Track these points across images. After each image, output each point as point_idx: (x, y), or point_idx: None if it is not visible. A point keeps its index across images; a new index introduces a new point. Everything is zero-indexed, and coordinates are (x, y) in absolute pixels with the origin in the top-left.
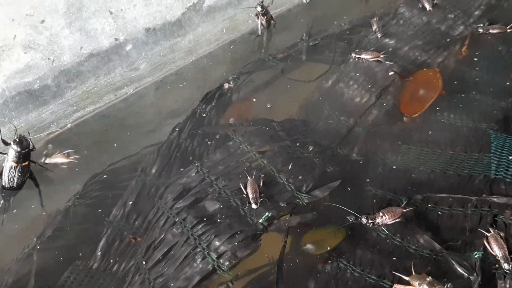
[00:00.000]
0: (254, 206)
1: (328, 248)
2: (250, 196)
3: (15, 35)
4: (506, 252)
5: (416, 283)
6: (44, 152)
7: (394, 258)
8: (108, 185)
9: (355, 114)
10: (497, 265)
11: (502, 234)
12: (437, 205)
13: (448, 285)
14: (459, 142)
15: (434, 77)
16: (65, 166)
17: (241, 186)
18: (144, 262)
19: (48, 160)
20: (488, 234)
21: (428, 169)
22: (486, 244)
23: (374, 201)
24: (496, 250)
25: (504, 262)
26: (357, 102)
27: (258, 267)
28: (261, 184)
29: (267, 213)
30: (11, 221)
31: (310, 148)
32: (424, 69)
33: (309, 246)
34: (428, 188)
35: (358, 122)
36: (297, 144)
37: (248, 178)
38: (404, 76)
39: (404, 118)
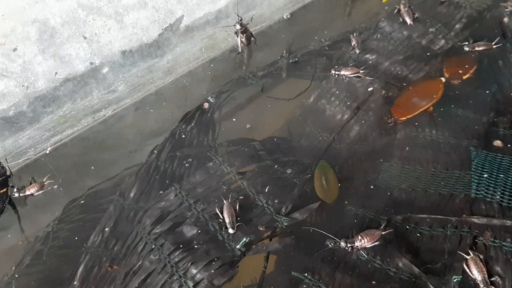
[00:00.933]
0: (230, 230)
1: None
2: (227, 220)
3: None
4: (486, 276)
5: None
6: (15, 189)
7: (373, 282)
8: (88, 209)
9: (337, 131)
10: None
11: (481, 256)
12: (417, 225)
13: None
14: (441, 159)
15: (436, 86)
16: (41, 193)
17: (217, 211)
18: None
19: (22, 194)
20: (468, 257)
21: (409, 188)
22: (466, 267)
23: (355, 221)
24: (476, 274)
25: (484, 286)
26: (338, 119)
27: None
28: (237, 208)
29: (244, 239)
30: None
31: (289, 171)
32: (428, 78)
33: None
34: (408, 207)
35: (335, 138)
36: (278, 164)
37: (224, 202)
38: (399, 87)
39: (389, 120)
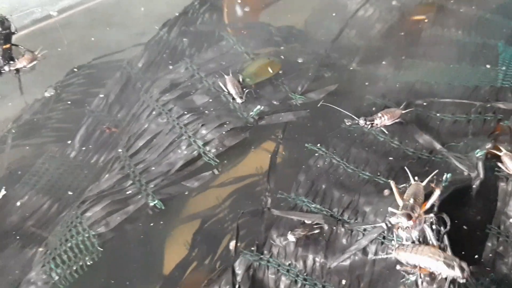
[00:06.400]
0: (238, 100)
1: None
2: (233, 91)
3: None
4: None
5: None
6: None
7: (390, 158)
8: (92, 78)
9: (357, 26)
10: (497, 168)
11: None
12: (439, 112)
13: (448, 175)
14: (466, 57)
15: None
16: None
17: (220, 84)
18: (124, 150)
19: (12, 67)
20: (501, 153)
21: (432, 82)
22: (501, 165)
23: (374, 109)
24: None
25: None
26: (361, 15)
27: (247, 176)
28: (240, 80)
29: (258, 106)
30: None
31: (300, 61)
32: None
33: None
34: (431, 97)
35: (348, 22)
36: (293, 51)
37: (226, 76)
38: None
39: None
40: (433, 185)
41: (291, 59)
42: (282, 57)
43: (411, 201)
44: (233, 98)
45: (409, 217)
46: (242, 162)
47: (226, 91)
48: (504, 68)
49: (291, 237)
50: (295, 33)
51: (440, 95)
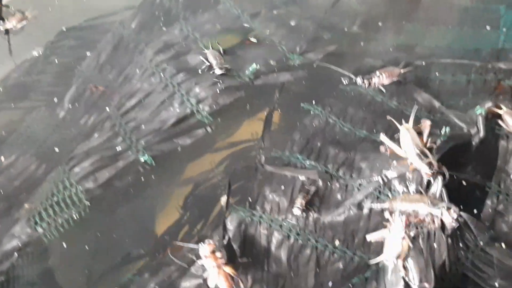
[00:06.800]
0: (218, 71)
1: None
2: (214, 62)
3: None
4: None
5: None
6: None
7: (387, 117)
8: (84, 39)
9: None
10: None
11: None
12: (439, 73)
13: (447, 129)
14: (467, 21)
15: None
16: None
17: (201, 58)
18: (115, 110)
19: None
20: (501, 111)
21: (433, 45)
22: (501, 122)
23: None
24: None
25: None
26: None
27: (241, 141)
28: (221, 51)
29: (254, 65)
30: None
31: (292, 23)
32: None
33: None
34: (431, 59)
35: None
36: (293, 14)
37: (206, 50)
38: None
39: None
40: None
41: (290, 21)
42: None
43: (418, 149)
44: (213, 71)
45: (430, 165)
46: (237, 127)
47: (208, 63)
48: (505, 29)
49: (297, 211)
50: None
51: (440, 57)
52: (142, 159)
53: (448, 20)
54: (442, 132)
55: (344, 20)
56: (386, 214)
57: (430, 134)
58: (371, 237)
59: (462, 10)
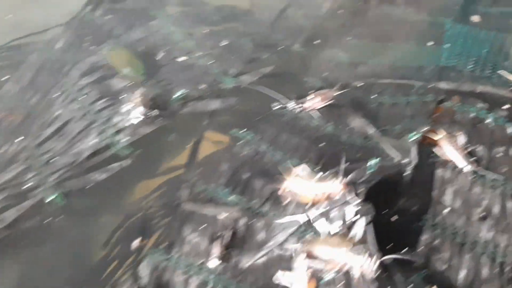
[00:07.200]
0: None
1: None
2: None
3: None
4: (464, 153)
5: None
6: None
7: (322, 144)
8: (10, 64)
9: (305, 6)
10: (434, 153)
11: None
12: (380, 94)
13: (373, 162)
14: (412, 36)
15: None
16: None
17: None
18: (31, 139)
19: None
20: (438, 137)
21: (376, 63)
22: (438, 150)
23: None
24: (451, 153)
25: (467, 165)
26: None
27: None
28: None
29: (183, 90)
30: None
31: (223, 43)
32: None
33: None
34: (372, 79)
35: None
36: (233, 32)
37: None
38: None
39: None
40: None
41: (227, 40)
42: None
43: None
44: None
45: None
46: (160, 158)
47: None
48: (448, 45)
49: (213, 263)
50: (238, 13)
51: (382, 76)
52: (49, 198)
53: (393, 35)
54: (369, 164)
55: (287, 36)
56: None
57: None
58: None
59: (408, 25)
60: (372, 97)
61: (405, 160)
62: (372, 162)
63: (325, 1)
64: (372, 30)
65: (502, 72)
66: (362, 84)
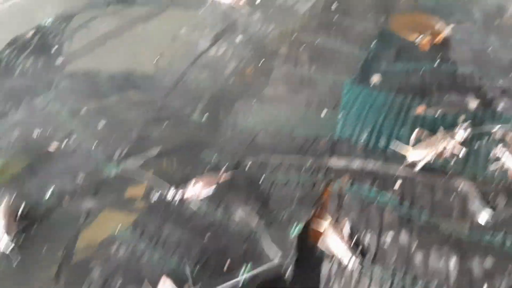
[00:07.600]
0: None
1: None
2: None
3: None
4: (349, 244)
5: None
6: None
7: (208, 234)
8: None
9: (209, 67)
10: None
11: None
12: (274, 171)
13: (247, 267)
14: (314, 100)
15: None
16: None
17: None
18: None
19: None
20: (322, 228)
21: (275, 131)
22: (322, 242)
23: (208, 167)
24: (336, 247)
25: (351, 258)
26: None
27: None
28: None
29: (49, 191)
30: None
31: (119, 118)
32: None
33: None
34: (271, 151)
35: (196, 62)
36: (124, 102)
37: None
38: None
39: None
40: None
41: (117, 115)
42: (111, 111)
43: None
44: None
45: None
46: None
47: None
48: (344, 112)
49: None
50: (136, 79)
51: (280, 148)
52: None
53: (296, 99)
54: (241, 270)
55: (187, 103)
56: None
57: None
58: None
59: (310, 86)
60: (267, 174)
61: (287, 259)
62: (244, 268)
63: (230, 60)
64: (276, 93)
65: (396, 145)
66: (259, 160)
